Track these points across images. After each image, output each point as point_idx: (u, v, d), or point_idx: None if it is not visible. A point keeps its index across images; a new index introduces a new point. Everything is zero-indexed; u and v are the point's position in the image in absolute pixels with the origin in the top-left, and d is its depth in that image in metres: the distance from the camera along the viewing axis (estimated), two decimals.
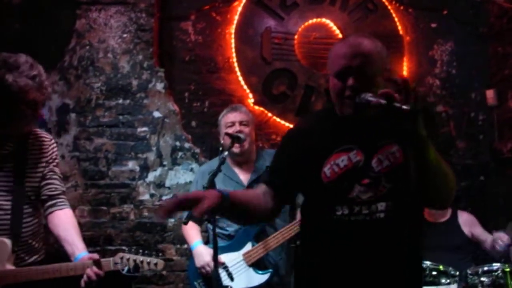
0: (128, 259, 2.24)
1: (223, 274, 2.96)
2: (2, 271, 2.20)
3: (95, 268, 2.19)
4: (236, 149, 3.03)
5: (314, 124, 1.89)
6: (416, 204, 1.70)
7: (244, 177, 3.16)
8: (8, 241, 2.25)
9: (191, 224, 3.01)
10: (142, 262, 2.25)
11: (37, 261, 2.37)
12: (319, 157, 1.74)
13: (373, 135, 1.58)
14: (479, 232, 3.71)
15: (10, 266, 2.24)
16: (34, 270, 2.24)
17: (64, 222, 2.38)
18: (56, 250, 2.51)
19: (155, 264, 2.28)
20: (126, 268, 2.22)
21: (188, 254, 3.07)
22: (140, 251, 2.30)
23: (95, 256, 2.24)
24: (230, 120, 3.14)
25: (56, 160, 2.49)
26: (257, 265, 3.01)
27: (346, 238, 1.68)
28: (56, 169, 2.47)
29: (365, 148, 1.70)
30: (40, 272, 2.22)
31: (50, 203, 2.42)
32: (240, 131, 3.04)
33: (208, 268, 2.93)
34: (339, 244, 1.69)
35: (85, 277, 2.19)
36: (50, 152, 2.46)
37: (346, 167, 1.70)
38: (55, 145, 2.51)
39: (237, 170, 3.18)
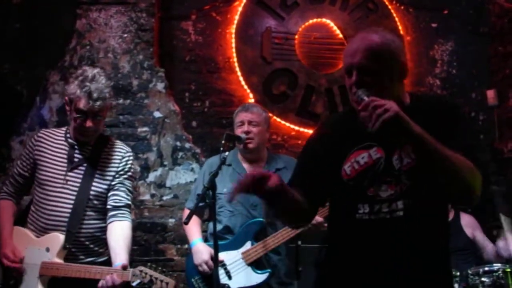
0: (146, 274, 2.33)
1: (221, 272, 2.96)
2: (49, 263, 2.41)
3: (114, 276, 2.31)
4: (239, 146, 3.12)
5: (336, 123, 1.91)
6: (436, 201, 1.68)
7: None
8: (61, 237, 2.44)
9: (192, 220, 3.00)
10: (156, 279, 2.35)
11: (95, 263, 2.52)
12: (340, 155, 1.75)
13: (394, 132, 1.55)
14: (480, 237, 3.71)
15: (58, 260, 2.43)
16: (72, 267, 2.41)
17: (118, 233, 2.50)
18: None
19: (167, 283, 2.37)
20: (137, 281, 2.33)
21: (189, 254, 3.09)
22: (159, 268, 2.40)
23: (125, 264, 2.37)
24: (240, 120, 3.16)
25: (129, 173, 2.63)
26: (256, 264, 3.00)
27: (367, 238, 1.67)
28: (127, 182, 2.62)
29: (385, 146, 1.68)
30: (75, 270, 2.40)
31: (112, 213, 2.55)
32: (247, 131, 3.07)
33: (205, 266, 2.94)
34: (361, 244, 1.68)
35: (102, 281, 2.32)
36: (123, 164, 2.61)
37: (367, 164, 1.70)
38: (130, 158, 2.67)
39: (246, 168, 3.18)
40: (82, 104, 2.45)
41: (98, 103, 2.44)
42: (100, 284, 2.33)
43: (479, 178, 1.60)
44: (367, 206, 1.67)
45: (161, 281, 2.35)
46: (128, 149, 2.71)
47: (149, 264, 2.40)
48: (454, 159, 1.54)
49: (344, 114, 1.91)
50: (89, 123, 2.48)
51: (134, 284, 2.32)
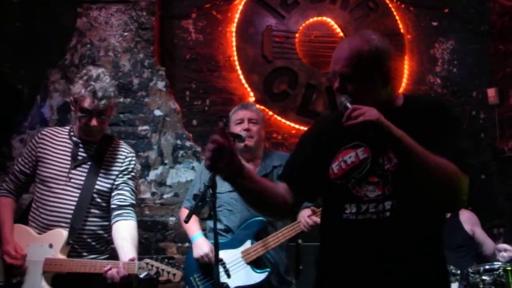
0: (152, 266, 2.33)
1: (220, 271, 2.96)
2: (52, 259, 2.42)
3: (120, 269, 2.31)
4: (239, 145, 3.08)
5: (327, 123, 1.92)
6: (424, 203, 1.64)
7: None
8: (64, 233, 2.44)
9: (191, 219, 3.01)
10: (163, 270, 2.34)
11: (97, 260, 2.52)
12: (329, 154, 1.76)
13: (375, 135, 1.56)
14: (479, 233, 3.71)
15: (61, 256, 2.43)
16: (76, 262, 2.42)
17: (125, 232, 2.50)
18: None
19: (174, 275, 2.36)
20: (144, 273, 2.32)
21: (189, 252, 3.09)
22: (165, 260, 2.39)
23: (133, 258, 2.37)
24: (240, 117, 3.15)
25: (132, 173, 2.65)
26: (256, 263, 3.00)
27: (354, 238, 1.66)
28: (130, 182, 2.63)
29: (373, 146, 1.69)
30: (79, 265, 2.40)
31: (117, 212, 2.55)
32: (248, 129, 3.06)
33: (206, 259, 2.94)
34: (347, 244, 1.68)
35: (108, 272, 2.33)
36: (127, 163, 2.63)
37: (353, 164, 1.70)
38: (133, 158, 2.69)
39: None
40: (87, 103, 2.45)
41: (103, 102, 2.45)
42: (107, 273, 2.32)
43: (465, 182, 1.58)
44: (354, 206, 1.66)
45: (168, 272, 2.34)
46: (132, 150, 2.73)
47: (155, 256, 2.40)
48: (435, 163, 1.53)
49: (335, 115, 1.90)
50: (94, 122, 2.49)
51: (141, 276, 2.32)
